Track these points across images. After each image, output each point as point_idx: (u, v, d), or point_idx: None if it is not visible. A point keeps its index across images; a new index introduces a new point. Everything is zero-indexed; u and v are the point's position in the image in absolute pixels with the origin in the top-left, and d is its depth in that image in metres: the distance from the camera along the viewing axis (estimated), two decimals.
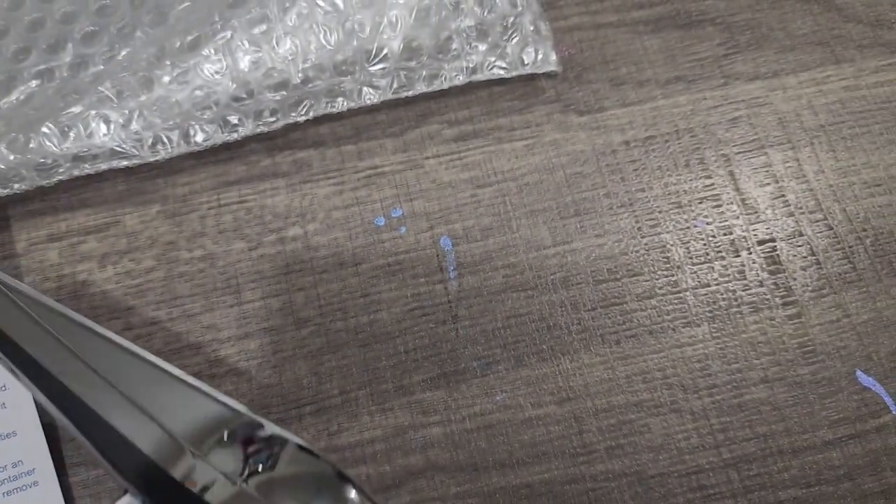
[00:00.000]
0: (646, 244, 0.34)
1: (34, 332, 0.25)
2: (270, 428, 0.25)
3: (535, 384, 0.32)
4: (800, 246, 0.35)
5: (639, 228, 0.34)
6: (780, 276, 0.34)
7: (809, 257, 0.34)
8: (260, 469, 0.24)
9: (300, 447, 0.25)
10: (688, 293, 0.34)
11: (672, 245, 0.34)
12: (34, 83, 0.33)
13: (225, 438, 0.24)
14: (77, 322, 0.25)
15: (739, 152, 0.36)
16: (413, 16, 0.34)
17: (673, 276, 0.34)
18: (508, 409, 0.32)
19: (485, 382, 0.32)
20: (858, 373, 0.33)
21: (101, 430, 0.24)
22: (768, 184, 0.35)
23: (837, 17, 0.38)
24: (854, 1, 0.39)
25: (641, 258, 0.34)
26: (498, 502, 0.31)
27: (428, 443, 0.31)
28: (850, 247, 0.34)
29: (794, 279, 0.34)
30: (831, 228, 0.35)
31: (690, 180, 0.35)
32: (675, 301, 0.33)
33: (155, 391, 0.24)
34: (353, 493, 0.24)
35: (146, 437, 0.24)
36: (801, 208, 0.35)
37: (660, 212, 0.35)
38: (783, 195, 0.35)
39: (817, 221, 0.35)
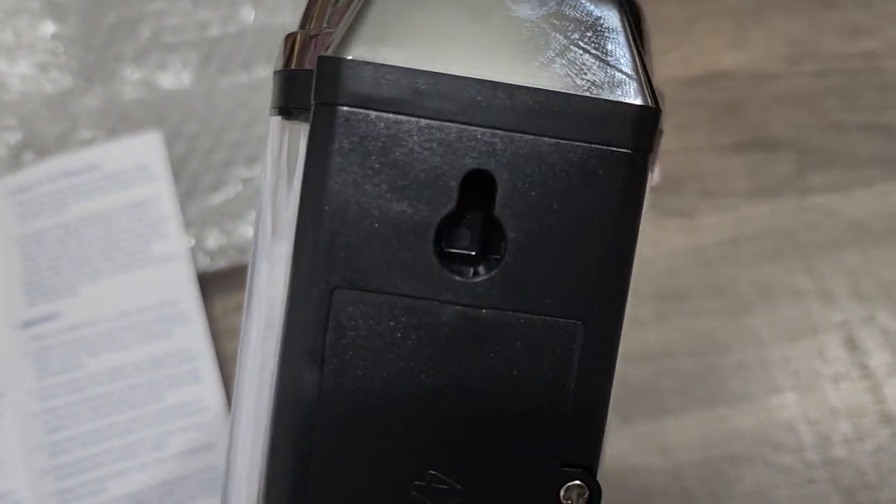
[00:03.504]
0: (734, 326, 0.40)
1: None
2: None
3: (642, 437, 0.37)
4: (873, 329, 0.40)
5: (729, 309, 0.40)
6: (855, 353, 0.39)
7: (881, 338, 0.39)
8: None
9: None
10: (774, 365, 0.39)
11: (759, 326, 0.40)
12: (240, 186, 0.42)
13: None
14: None
15: (814, 250, 0.42)
16: None
17: (760, 350, 0.39)
18: (616, 459, 0.37)
19: None
20: None
21: None
22: (842, 276, 0.41)
23: None
24: None
25: (732, 334, 0.40)
26: None
27: None
28: None
29: (869, 357, 0.39)
30: None
31: (771, 271, 0.41)
32: (762, 371, 0.39)
33: None
34: None
35: None
36: (872, 298, 0.40)
37: (746, 297, 0.41)
38: (856, 286, 0.41)
39: (888, 309, 0.40)
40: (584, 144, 0.17)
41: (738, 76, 0.47)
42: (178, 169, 0.42)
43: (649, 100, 0.17)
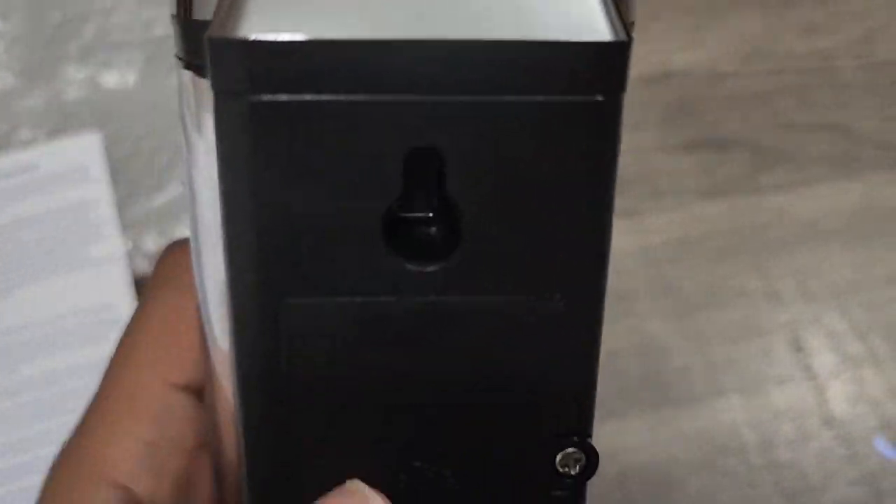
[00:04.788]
0: (680, 328, 0.40)
1: None
2: None
3: None
4: (818, 331, 0.39)
5: (675, 311, 0.40)
6: (800, 355, 0.39)
7: (825, 340, 0.39)
8: None
9: None
10: (718, 367, 0.38)
11: (704, 328, 0.39)
12: (181, 187, 0.41)
13: None
14: None
15: (764, 250, 0.41)
16: None
17: (705, 352, 0.39)
18: None
19: None
20: (876, 440, 0.37)
21: None
22: (791, 276, 0.41)
23: (850, 140, 0.45)
24: (865, 129, 0.45)
25: (677, 336, 0.39)
26: None
27: None
28: (865, 331, 0.39)
29: (813, 358, 0.39)
30: (848, 315, 0.40)
31: (720, 272, 0.41)
32: (707, 373, 0.38)
33: None
34: None
35: None
36: (818, 299, 0.40)
37: (693, 298, 0.40)
38: (804, 287, 0.40)
39: (833, 309, 0.40)
40: (542, 98, 0.14)
41: (692, 75, 0.47)
42: (121, 170, 0.42)
43: (617, 32, 0.14)
